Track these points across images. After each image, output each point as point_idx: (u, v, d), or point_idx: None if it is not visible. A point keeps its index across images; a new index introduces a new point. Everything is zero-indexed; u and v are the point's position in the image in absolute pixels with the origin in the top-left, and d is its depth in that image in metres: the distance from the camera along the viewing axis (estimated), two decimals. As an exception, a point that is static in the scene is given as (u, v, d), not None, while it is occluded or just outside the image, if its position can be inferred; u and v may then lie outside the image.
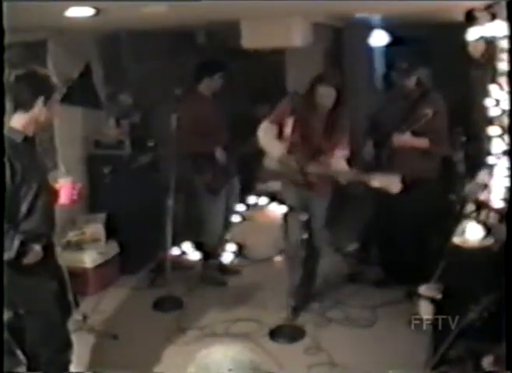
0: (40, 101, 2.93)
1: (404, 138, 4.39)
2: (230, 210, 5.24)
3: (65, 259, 3.98)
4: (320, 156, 4.18)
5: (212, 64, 5.00)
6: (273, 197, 5.27)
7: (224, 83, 4.98)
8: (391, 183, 3.83)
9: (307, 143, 4.18)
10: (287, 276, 4.21)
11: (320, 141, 4.20)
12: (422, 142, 4.41)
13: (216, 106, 4.97)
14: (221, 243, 5.28)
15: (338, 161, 4.17)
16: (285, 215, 4.32)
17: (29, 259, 2.91)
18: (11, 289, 2.86)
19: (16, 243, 2.82)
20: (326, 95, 4.11)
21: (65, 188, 3.22)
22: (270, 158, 4.32)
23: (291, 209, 4.24)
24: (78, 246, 4.91)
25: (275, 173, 4.35)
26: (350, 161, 4.23)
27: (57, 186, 3.22)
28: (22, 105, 2.93)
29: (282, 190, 4.46)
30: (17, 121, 2.95)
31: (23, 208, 2.90)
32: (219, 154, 4.87)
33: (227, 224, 5.26)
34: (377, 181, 3.86)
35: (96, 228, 5.06)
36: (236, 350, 1.54)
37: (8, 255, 2.82)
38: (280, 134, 4.29)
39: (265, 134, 4.32)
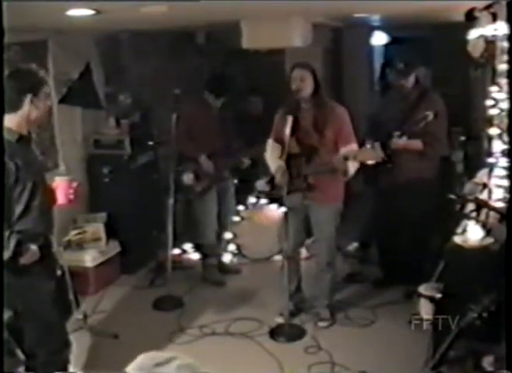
0: (28, 98, 2.89)
1: (400, 142, 4.38)
2: (226, 211, 5.22)
3: (66, 258, 3.98)
4: (316, 155, 4.09)
5: (218, 87, 4.91)
6: (273, 198, 5.25)
7: (227, 103, 4.97)
8: (371, 154, 3.89)
9: (301, 144, 4.06)
10: (285, 278, 4.21)
11: (313, 137, 4.06)
12: (417, 144, 4.40)
13: (215, 112, 4.96)
14: (218, 243, 5.26)
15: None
16: (285, 217, 4.28)
17: (26, 259, 2.88)
18: (8, 289, 2.85)
19: (12, 243, 2.79)
20: (300, 77, 4.02)
21: (61, 187, 3.19)
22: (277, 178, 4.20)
23: (290, 210, 4.18)
24: (79, 246, 4.92)
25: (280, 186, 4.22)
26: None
27: (53, 185, 3.19)
28: (11, 104, 2.88)
29: (285, 198, 4.21)
30: (10, 121, 2.90)
31: (19, 208, 2.86)
32: (203, 160, 4.87)
33: (224, 225, 5.26)
34: (360, 156, 3.91)
35: (96, 228, 5.07)
36: (174, 354, 1.54)
37: (5, 255, 2.79)
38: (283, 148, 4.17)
39: (267, 152, 4.33)
